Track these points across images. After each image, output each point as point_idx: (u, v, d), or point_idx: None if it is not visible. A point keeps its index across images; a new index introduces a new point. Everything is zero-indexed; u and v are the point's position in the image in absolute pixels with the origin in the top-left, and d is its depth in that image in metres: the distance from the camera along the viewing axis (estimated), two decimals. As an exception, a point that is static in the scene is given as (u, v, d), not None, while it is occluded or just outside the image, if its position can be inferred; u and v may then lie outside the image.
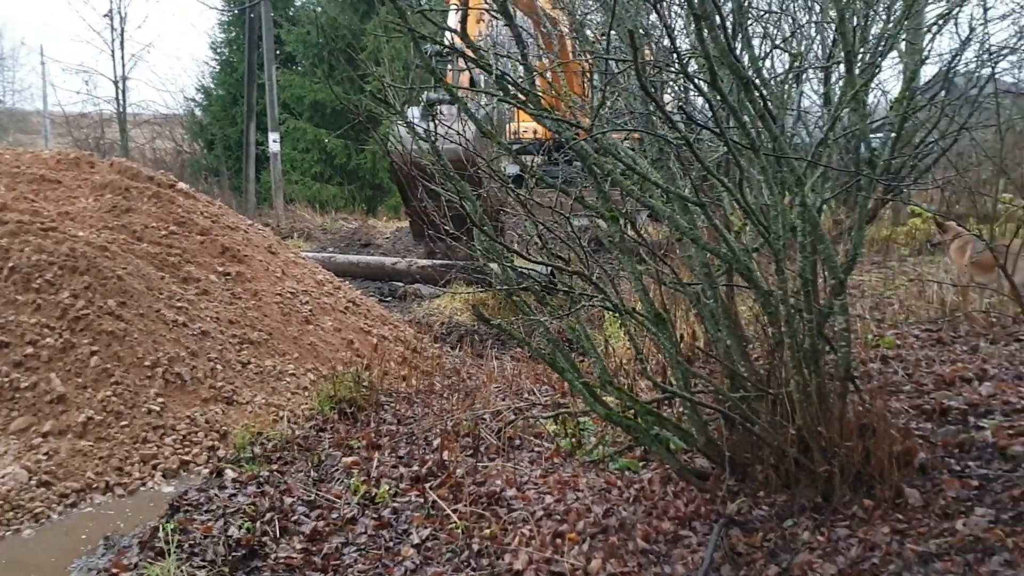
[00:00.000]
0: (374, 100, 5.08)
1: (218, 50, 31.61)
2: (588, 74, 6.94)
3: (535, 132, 19.07)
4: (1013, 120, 10.11)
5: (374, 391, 6.90)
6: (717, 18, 3.53)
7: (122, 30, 33.74)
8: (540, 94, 4.25)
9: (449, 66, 12.31)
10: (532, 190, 4.90)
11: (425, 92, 8.04)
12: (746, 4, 4.63)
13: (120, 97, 33.31)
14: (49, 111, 41.18)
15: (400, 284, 13.40)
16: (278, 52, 27.42)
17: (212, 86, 31.59)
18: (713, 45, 3.50)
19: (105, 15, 34.98)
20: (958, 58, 5.40)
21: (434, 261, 13.64)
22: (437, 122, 5.05)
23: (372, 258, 14.93)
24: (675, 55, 4.04)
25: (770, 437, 4.24)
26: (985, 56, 5.70)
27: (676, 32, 5.65)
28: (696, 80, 4.03)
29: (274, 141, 24.11)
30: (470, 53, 4.26)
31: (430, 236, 14.37)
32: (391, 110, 5.05)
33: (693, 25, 3.46)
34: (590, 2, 6.44)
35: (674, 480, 4.70)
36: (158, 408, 6.11)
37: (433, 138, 4.91)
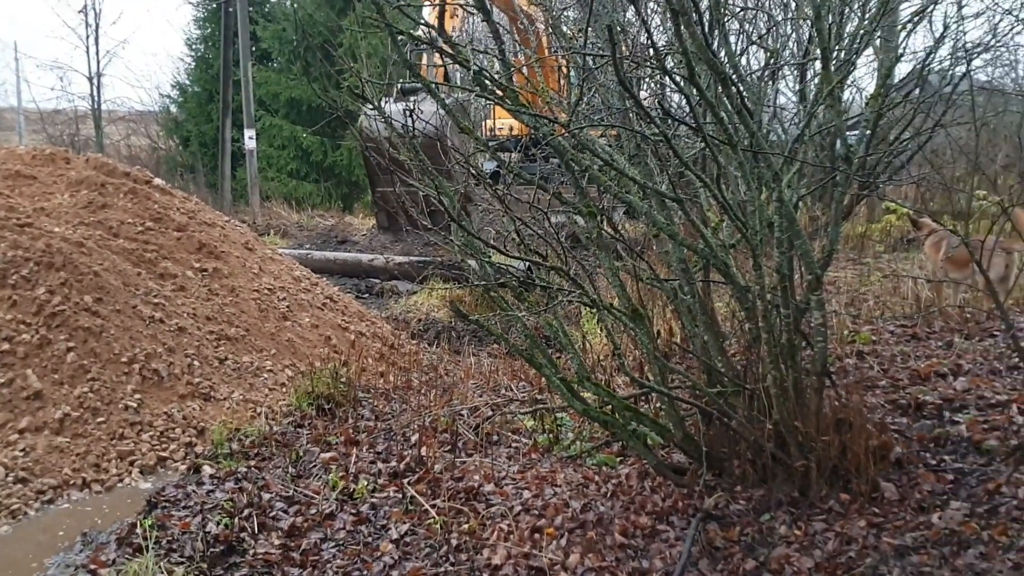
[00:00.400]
0: (351, 96, 5.08)
1: (193, 46, 31.38)
2: (565, 69, 6.94)
3: (511, 128, 19.15)
4: (987, 117, 10.21)
5: (352, 387, 6.89)
6: (694, 14, 3.55)
7: (97, 26, 33.46)
8: (518, 90, 4.26)
9: (424, 57, 12.25)
10: (509, 186, 4.90)
11: (399, 81, 7.97)
12: (723, 0, 4.66)
13: (95, 93, 33.05)
14: (23, 107, 40.84)
15: (377, 281, 13.37)
16: (254, 48, 27.27)
17: (187, 83, 31.35)
18: (691, 41, 3.52)
19: (80, 11, 34.70)
20: (932, 56, 5.44)
21: (411, 257, 13.63)
22: (412, 111, 5.04)
23: (349, 255, 14.89)
24: (652, 51, 4.05)
25: (747, 432, 4.27)
26: (959, 54, 5.75)
27: (653, 28, 5.68)
28: (674, 76, 4.04)
29: (250, 138, 23.99)
30: (447, 48, 4.27)
31: (407, 229, 14.35)
32: (369, 104, 5.04)
33: (671, 21, 3.48)
34: (568, -1, 6.46)
35: (651, 475, 4.72)
36: (135, 404, 6.07)
37: (411, 132, 4.90)
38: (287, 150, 27.10)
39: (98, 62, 33.02)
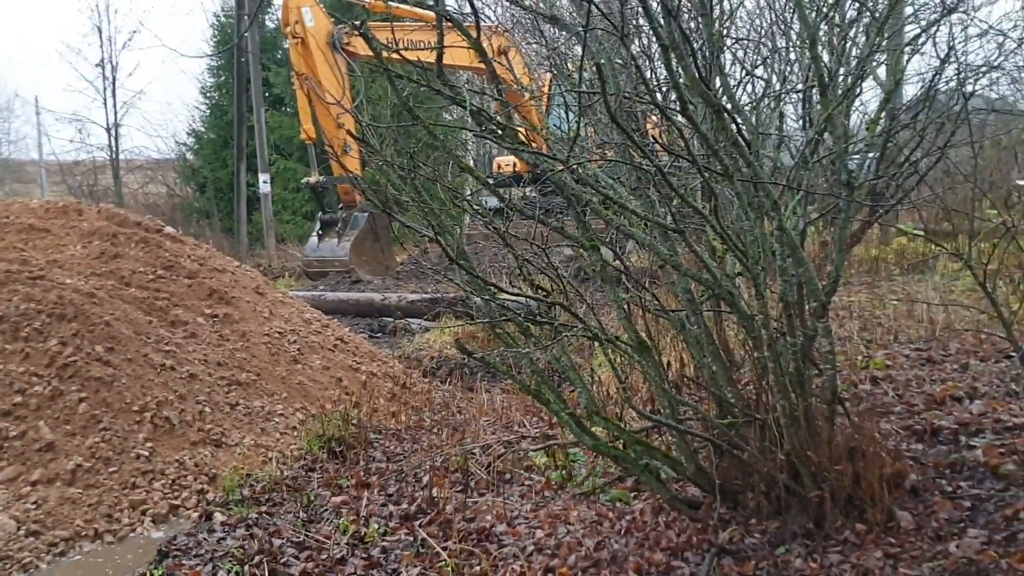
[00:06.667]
0: (355, 140, 5.09)
1: (208, 94, 31.78)
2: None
3: (514, 165, 19.56)
4: (997, 135, 10.14)
5: (363, 429, 6.86)
6: (685, 46, 3.54)
7: (114, 79, 34.03)
8: (517, 128, 4.26)
9: None
10: (510, 223, 4.88)
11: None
12: (720, 31, 4.65)
13: (113, 144, 33.57)
14: (44, 160, 41.42)
15: (390, 319, 13.39)
16: (267, 94, 27.57)
17: (203, 130, 31.74)
18: (682, 74, 3.51)
19: (97, 64, 35.28)
20: (938, 77, 5.42)
21: (423, 295, 13.66)
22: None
23: (362, 295, 14.91)
24: (644, 85, 4.05)
25: (759, 463, 4.21)
26: (964, 75, 5.72)
27: (654, 61, 5.68)
28: (667, 110, 4.03)
29: (264, 182, 24.21)
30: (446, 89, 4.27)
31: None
32: (373, 150, 5.03)
33: (660, 55, 3.47)
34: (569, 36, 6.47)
35: (665, 510, 4.66)
36: (147, 453, 6.06)
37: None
38: (301, 192, 27.27)
39: (115, 113, 33.56)
